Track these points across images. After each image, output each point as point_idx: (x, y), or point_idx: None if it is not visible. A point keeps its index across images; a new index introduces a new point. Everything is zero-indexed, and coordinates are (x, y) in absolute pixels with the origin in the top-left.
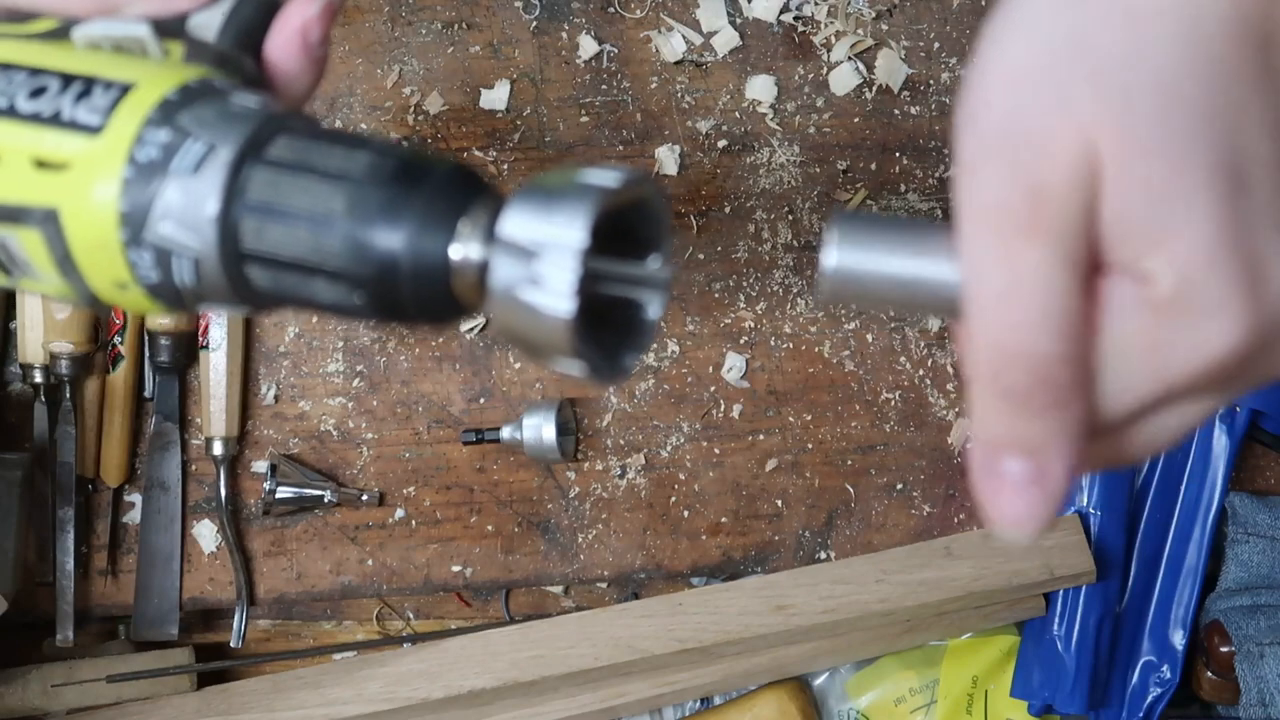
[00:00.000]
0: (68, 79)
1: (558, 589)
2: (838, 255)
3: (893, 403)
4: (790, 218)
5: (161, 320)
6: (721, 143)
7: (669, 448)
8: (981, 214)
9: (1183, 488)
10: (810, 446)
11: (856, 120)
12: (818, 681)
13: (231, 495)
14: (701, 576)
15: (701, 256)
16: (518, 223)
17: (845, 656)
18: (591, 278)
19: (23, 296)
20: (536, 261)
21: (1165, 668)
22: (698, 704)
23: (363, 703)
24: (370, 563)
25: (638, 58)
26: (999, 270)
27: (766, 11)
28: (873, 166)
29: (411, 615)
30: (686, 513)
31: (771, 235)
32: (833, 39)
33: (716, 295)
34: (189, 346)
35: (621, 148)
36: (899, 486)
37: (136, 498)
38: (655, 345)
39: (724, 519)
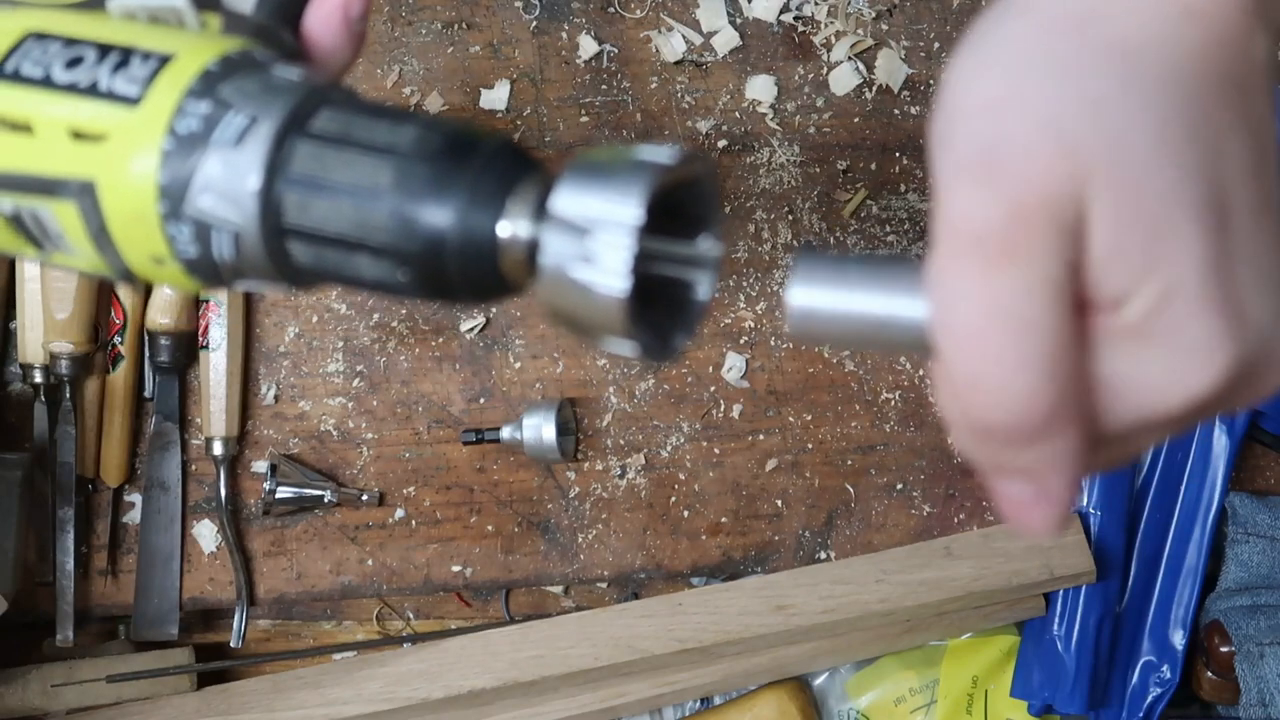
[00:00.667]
0: (104, 49)
1: (558, 589)
2: (801, 294)
3: (893, 403)
4: (790, 218)
5: (162, 320)
6: (721, 143)
7: (669, 448)
8: (957, 236)
9: (1183, 488)
10: (810, 446)
11: (856, 120)
12: (818, 681)
13: (231, 495)
14: (701, 576)
15: None
16: (570, 199)
17: (845, 656)
18: (645, 256)
19: (23, 296)
20: (589, 239)
21: (1165, 668)
22: (698, 704)
23: (363, 703)
24: (370, 563)
25: (638, 58)
26: (974, 298)
27: (766, 11)
28: (873, 166)
29: (411, 615)
30: (686, 513)
31: (771, 235)
32: (833, 39)
33: (716, 295)
34: (189, 346)
35: None
36: (899, 486)
37: (136, 498)
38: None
39: (724, 519)
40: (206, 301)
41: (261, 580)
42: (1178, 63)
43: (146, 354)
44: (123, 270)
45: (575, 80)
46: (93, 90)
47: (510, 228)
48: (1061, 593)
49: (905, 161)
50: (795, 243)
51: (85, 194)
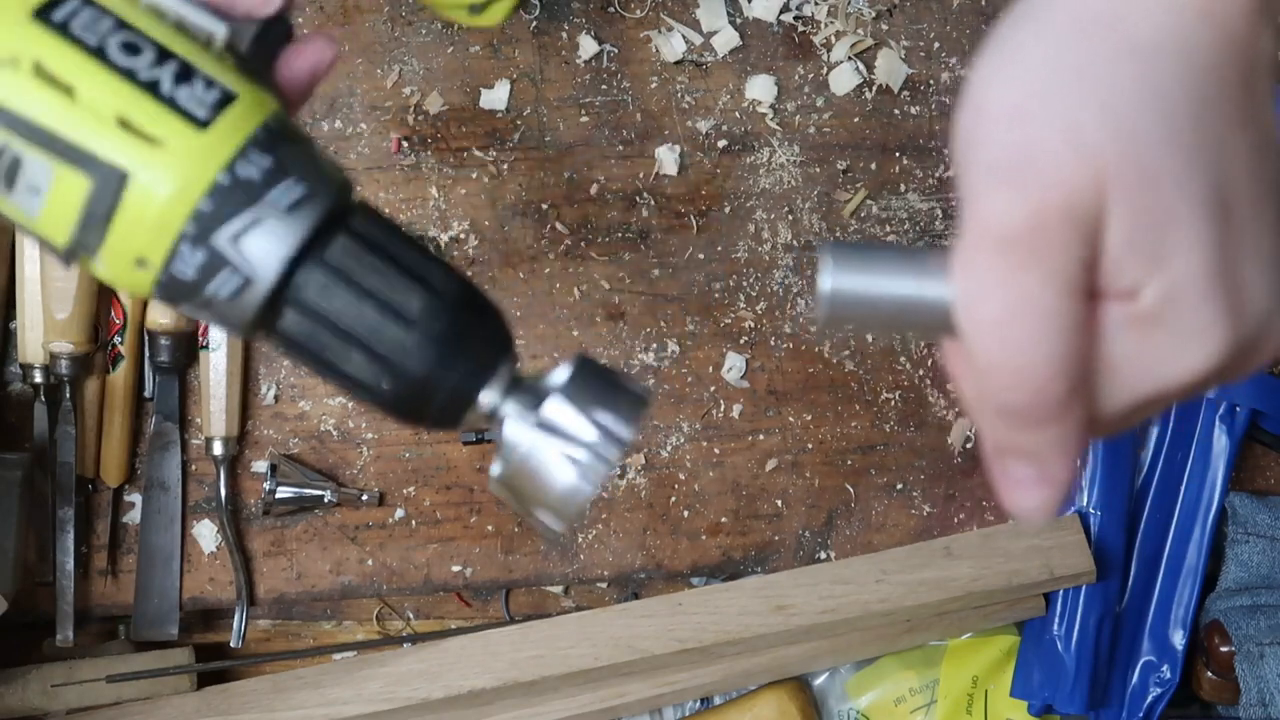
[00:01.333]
0: (164, 53)
1: (558, 589)
2: (833, 280)
3: (893, 403)
4: (790, 218)
5: (162, 320)
6: (721, 143)
7: (669, 448)
8: (985, 238)
9: (1183, 488)
10: (810, 446)
11: (856, 120)
12: (818, 681)
13: (231, 495)
14: (701, 576)
15: (701, 256)
16: (567, 409)
17: (845, 656)
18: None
19: (23, 296)
20: (573, 445)
21: (1165, 668)
22: (698, 704)
23: (363, 703)
24: (370, 563)
25: (638, 58)
26: (999, 294)
27: (766, 11)
28: (873, 166)
29: (411, 615)
30: (686, 513)
31: (771, 235)
32: (833, 39)
33: (716, 295)
34: (189, 346)
35: (621, 148)
36: (899, 486)
37: (136, 498)
38: (655, 345)
39: (724, 519)
40: None
41: (261, 580)
42: (1190, 63)
43: (146, 354)
44: (75, 251)
45: (575, 80)
46: (155, 91)
47: (489, 395)
48: (1061, 593)
49: (905, 161)
50: (795, 243)
51: (111, 179)
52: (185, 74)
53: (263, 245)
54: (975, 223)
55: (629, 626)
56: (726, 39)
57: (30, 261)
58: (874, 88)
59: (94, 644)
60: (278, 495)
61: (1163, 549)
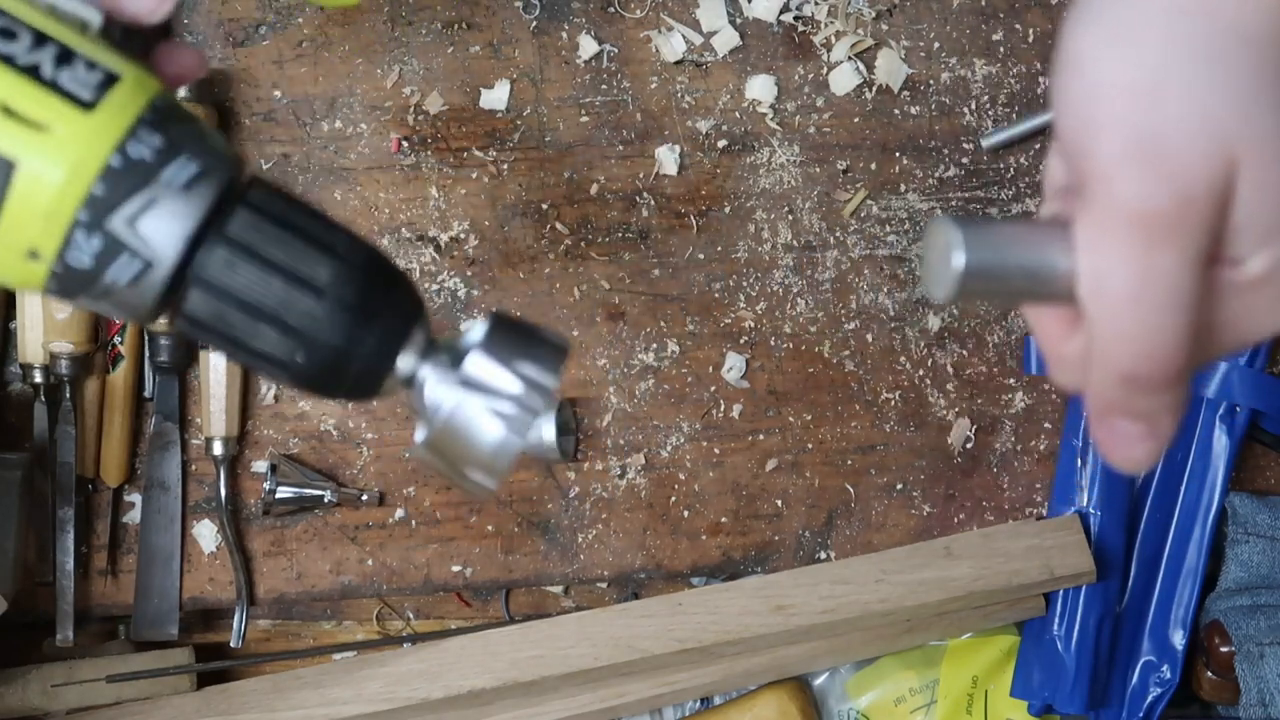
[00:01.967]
0: (40, 36)
1: (558, 589)
2: (966, 256)
3: (893, 403)
4: (790, 218)
5: (162, 320)
6: (721, 143)
7: (669, 448)
8: (1121, 216)
9: (1183, 488)
10: (810, 446)
11: (856, 120)
12: (818, 681)
13: (231, 495)
14: (701, 576)
15: (701, 256)
16: (486, 364)
17: (845, 656)
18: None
19: (23, 297)
20: (499, 400)
21: (1165, 668)
22: (698, 704)
23: (363, 703)
24: (370, 563)
25: (638, 58)
26: (1134, 271)
27: (766, 11)
28: (873, 166)
29: (411, 615)
30: (686, 513)
31: (771, 235)
32: (833, 39)
33: (716, 295)
34: (189, 346)
35: (621, 148)
36: (899, 486)
37: (136, 498)
38: (655, 345)
39: (724, 519)
40: None
41: (261, 580)
42: None
43: (146, 354)
44: None
45: (575, 80)
46: (35, 75)
47: (405, 361)
48: (1061, 593)
49: (905, 161)
50: (795, 243)
51: None
52: (65, 57)
53: (161, 226)
54: (1109, 201)
55: (629, 626)
56: (726, 39)
57: None
58: (874, 88)
59: (94, 644)
60: (278, 495)
61: (1163, 549)
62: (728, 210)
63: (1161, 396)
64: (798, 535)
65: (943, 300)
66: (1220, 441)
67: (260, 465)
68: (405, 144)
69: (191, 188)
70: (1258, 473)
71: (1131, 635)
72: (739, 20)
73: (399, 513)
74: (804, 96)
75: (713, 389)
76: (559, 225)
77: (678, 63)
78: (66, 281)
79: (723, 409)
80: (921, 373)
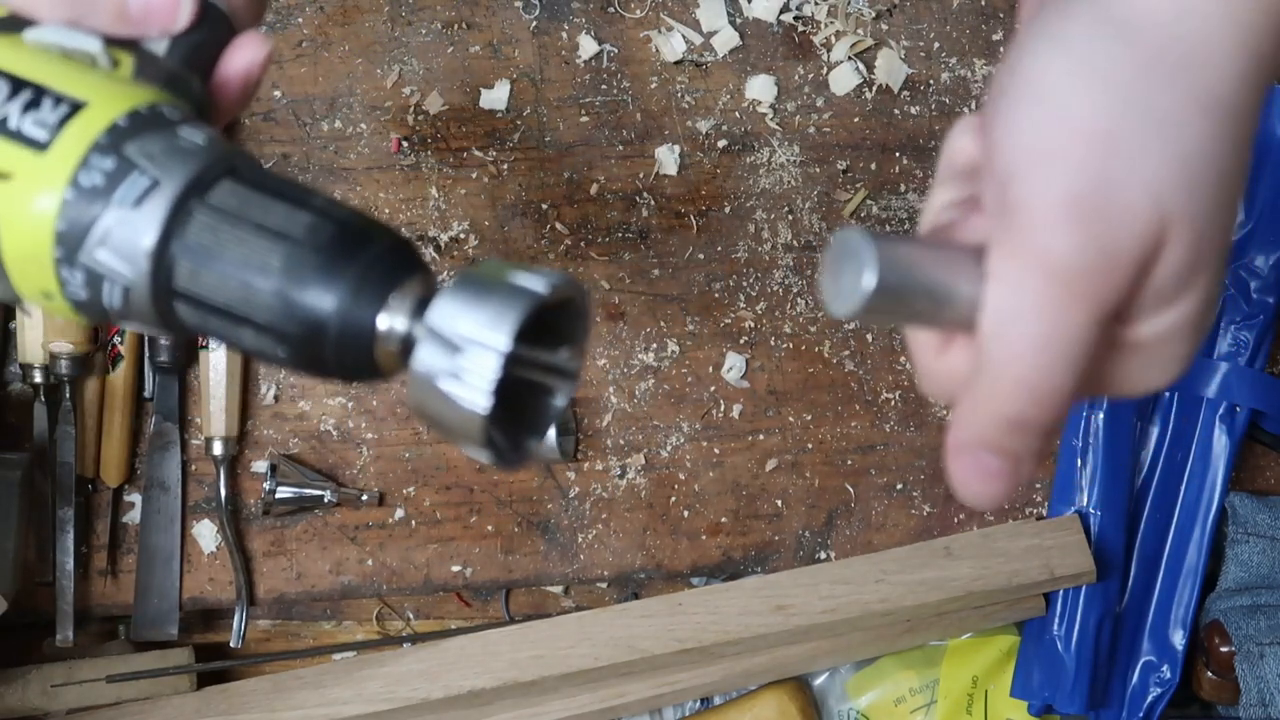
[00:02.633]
0: (17, 84)
1: (558, 589)
2: (878, 275)
3: (893, 403)
4: (790, 218)
5: None
6: (721, 143)
7: (669, 448)
8: (1043, 265)
9: (1183, 488)
10: (810, 446)
11: (856, 120)
12: (818, 681)
13: (231, 495)
14: (701, 576)
15: (701, 256)
16: (447, 314)
17: (845, 656)
18: (508, 363)
19: None
20: (460, 356)
21: (1165, 668)
22: (698, 704)
23: (363, 703)
24: (370, 563)
25: (638, 58)
26: (1044, 322)
27: (766, 11)
28: (873, 166)
29: (411, 615)
30: (686, 513)
31: (771, 235)
32: (833, 39)
33: (716, 295)
34: (189, 346)
35: (621, 148)
36: (899, 486)
37: (136, 498)
38: (655, 345)
39: (724, 519)
40: None
41: (261, 580)
42: (1243, 124)
43: (146, 354)
44: (12, 296)
45: (575, 80)
46: (2, 127)
47: (389, 321)
48: (1061, 593)
49: (905, 161)
50: (795, 243)
51: None
52: (36, 99)
53: (123, 246)
54: (1035, 247)
55: (629, 626)
56: (726, 39)
57: None
58: (874, 88)
59: (94, 644)
60: (278, 495)
61: (1163, 549)
62: (728, 210)
63: (1036, 440)
64: (798, 535)
65: (842, 317)
66: (1220, 441)
67: (260, 465)
68: (405, 144)
69: (142, 202)
70: (1258, 473)
71: (1131, 635)
72: (739, 20)
73: (399, 513)
74: (804, 96)
75: (713, 389)
76: (559, 225)
77: (678, 63)
78: (87, 312)
79: (723, 409)
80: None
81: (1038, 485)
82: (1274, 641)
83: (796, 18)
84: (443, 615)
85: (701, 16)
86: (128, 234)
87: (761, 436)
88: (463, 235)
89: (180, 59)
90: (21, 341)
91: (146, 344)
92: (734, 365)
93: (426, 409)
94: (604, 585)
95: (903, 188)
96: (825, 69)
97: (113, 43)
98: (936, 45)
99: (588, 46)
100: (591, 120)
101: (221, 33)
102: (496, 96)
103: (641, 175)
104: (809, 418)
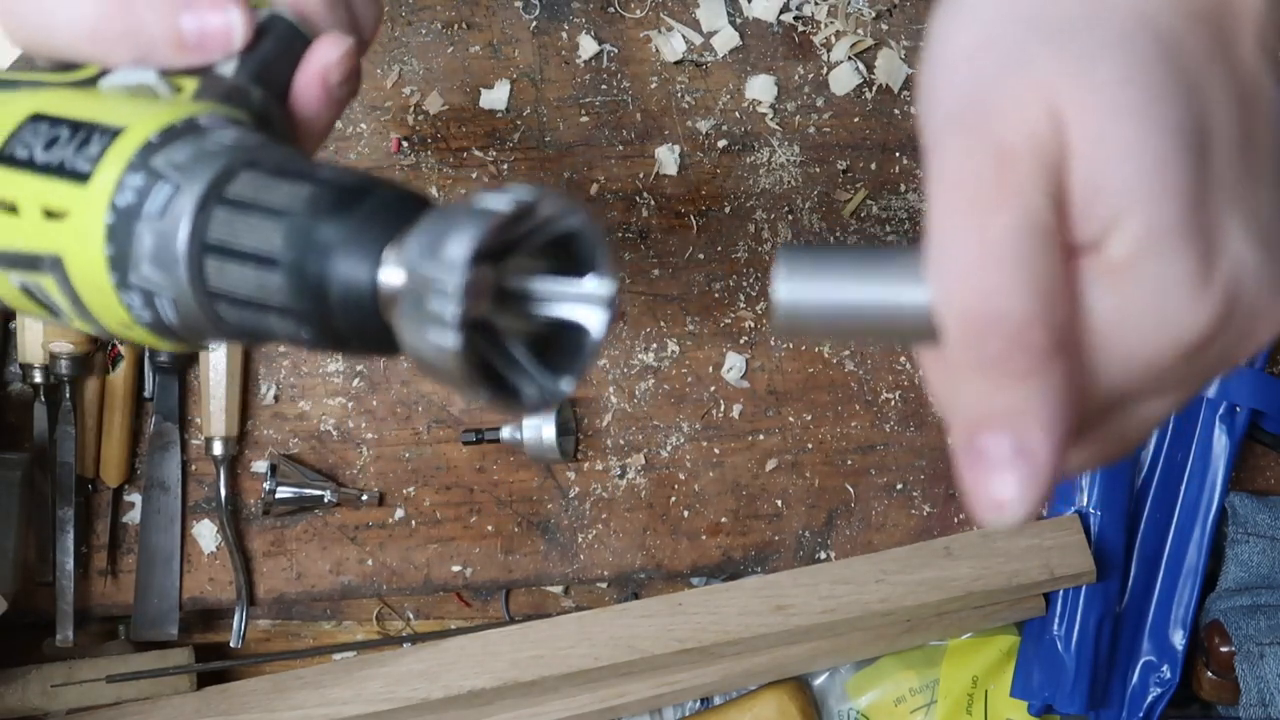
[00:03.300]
0: (75, 127)
1: (558, 589)
2: (787, 288)
3: (893, 403)
4: (790, 218)
5: None
6: (721, 143)
7: (669, 448)
8: (948, 187)
9: (1183, 488)
10: (810, 446)
11: (856, 120)
12: (818, 681)
13: (231, 495)
14: (701, 576)
15: (701, 256)
16: (413, 253)
17: (845, 656)
18: (517, 301)
19: None
20: (427, 293)
21: (1165, 668)
22: (698, 704)
23: (363, 703)
24: (370, 563)
25: (638, 58)
26: (969, 239)
27: (766, 11)
28: (873, 166)
29: (411, 615)
30: (686, 513)
31: (771, 235)
32: (833, 39)
33: (716, 295)
34: None
35: (621, 147)
36: (899, 486)
37: (136, 498)
38: (655, 345)
39: (724, 519)
40: None
41: (261, 580)
42: (1153, 7)
43: (146, 354)
44: (110, 334)
45: (575, 80)
46: (60, 169)
47: (392, 275)
48: (1061, 593)
49: (905, 161)
50: (795, 243)
51: (56, 268)
52: (87, 137)
53: (161, 257)
54: (938, 175)
55: (629, 626)
56: (726, 39)
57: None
58: (874, 88)
59: (94, 644)
60: (278, 495)
61: (1163, 549)
62: (728, 210)
63: (1026, 386)
64: (798, 535)
65: (779, 335)
66: (1220, 441)
67: (260, 465)
68: (405, 144)
69: (167, 211)
70: (1258, 473)
71: (1131, 635)
72: (739, 20)
73: (399, 513)
74: (804, 96)
75: (713, 389)
76: None
77: (678, 63)
78: (162, 335)
79: (723, 409)
80: (921, 373)
81: None
82: (1274, 641)
83: (796, 18)
84: (443, 615)
85: (701, 16)
86: (162, 244)
87: (761, 436)
88: None
89: (249, 75)
90: (21, 341)
91: None
92: (734, 365)
93: (418, 358)
94: (604, 585)
95: (903, 188)
96: (825, 69)
97: (184, 72)
98: None
99: (588, 46)
100: (591, 120)
101: (293, 43)
102: (496, 96)
103: (641, 175)
104: (809, 418)
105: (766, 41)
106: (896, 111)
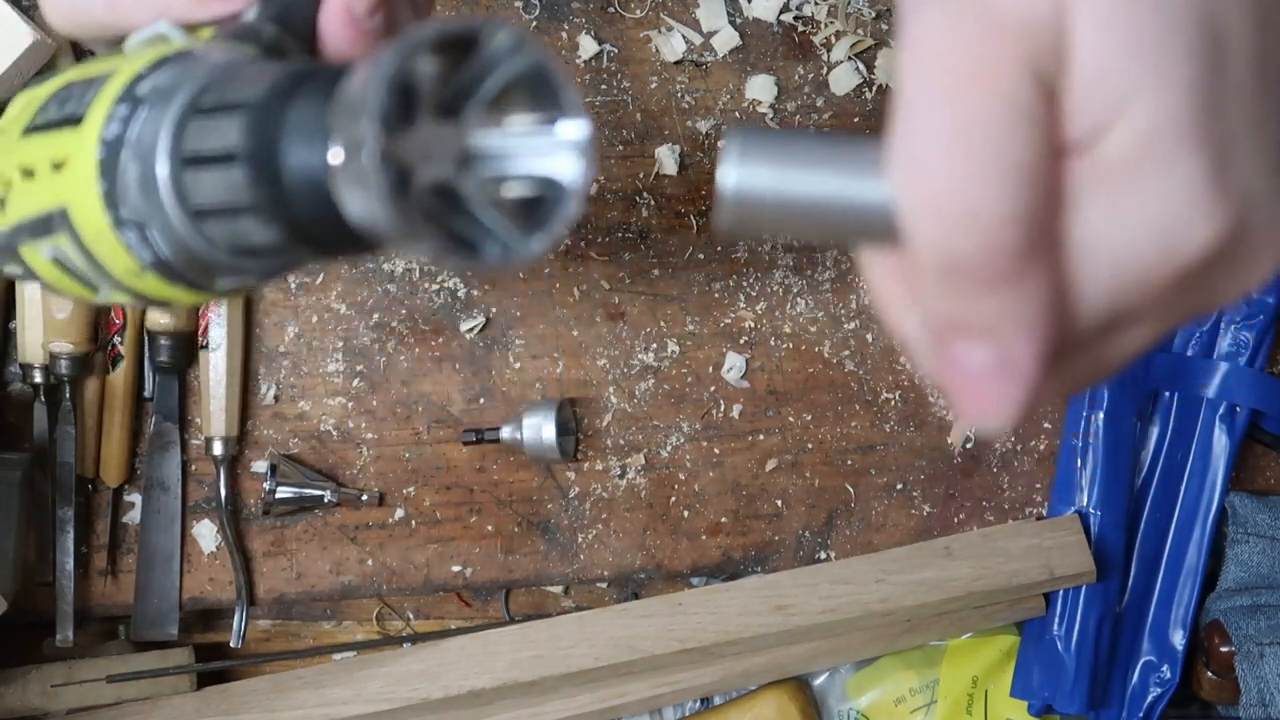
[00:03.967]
0: (88, 83)
1: (558, 589)
2: (737, 175)
3: (893, 403)
4: None
5: (161, 320)
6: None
7: (669, 448)
8: (923, 57)
9: (1183, 488)
10: (810, 446)
11: (856, 120)
12: (818, 681)
13: (231, 495)
14: (701, 576)
15: (701, 256)
16: (341, 106)
17: (845, 656)
18: (464, 165)
19: (22, 296)
20: (354, 148)
21: (1165, 668)
22: (698, 704)
23: (363, 703)
24: (370, 563)
25: (638, 58)
26: (940, 120)
27: (766, 11)
28: None
29: (411, 615)
30: (686, 513)
31: (771, 235)
32: (833, 39)
33: (716, 295)
34: (189, 346)
35: (621, 147)
36: (899, 486)
37: (136, 498)
38: (655, 345)
39: (724, 519)
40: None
41: (261, 580)
42: None
43: (146, 354)
44: (131, 292)
45: (575, 80)
46: (63, 121)
47: (336, 154)
48: (1061, 593)
49: None
50: (795, 243)
51: (64, 221)
52: (89, 86)
53: (145, 183)
54: (912, 44)
55: (629, 626)
56: (726, 39)
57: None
58: (874, 88)
59: (94, 644)
60: (278, 495)
61: (1163, 549)
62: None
63: (1002, 295)
64: (798, 535)
65: (723, 229)
66: (1220, 441)
67: (260, 465)
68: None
69: (148, 134)
70: (1258, 473)
71: (1131, 635)
72: (739, 20)
73: (399, 513)
74: (804, 96)
75: (713, 389)
76: None
77: (678, 63)
78: (168, 276)
79: (723, 409)
80: (922, 373)
81: (1037, 485)
82: (1274, 641)
83: (796, 18)
84: (443, 615)
85: (701, 16)
86: (144, 170)
87: (761, 436)
88: None
89: (271, 19)
90: (21, 341)
91: (146, 344)
92: (734, 365)
93: (366, 228)
94: (604, 585)
95: None
96: (825, 69)
97: (205, 25)
98: None
99: (588, 46)
100: (591, 120)
101: None
102: None
103: (641, 175)
104: (809, 418)
105: (766, 41)
106: None
